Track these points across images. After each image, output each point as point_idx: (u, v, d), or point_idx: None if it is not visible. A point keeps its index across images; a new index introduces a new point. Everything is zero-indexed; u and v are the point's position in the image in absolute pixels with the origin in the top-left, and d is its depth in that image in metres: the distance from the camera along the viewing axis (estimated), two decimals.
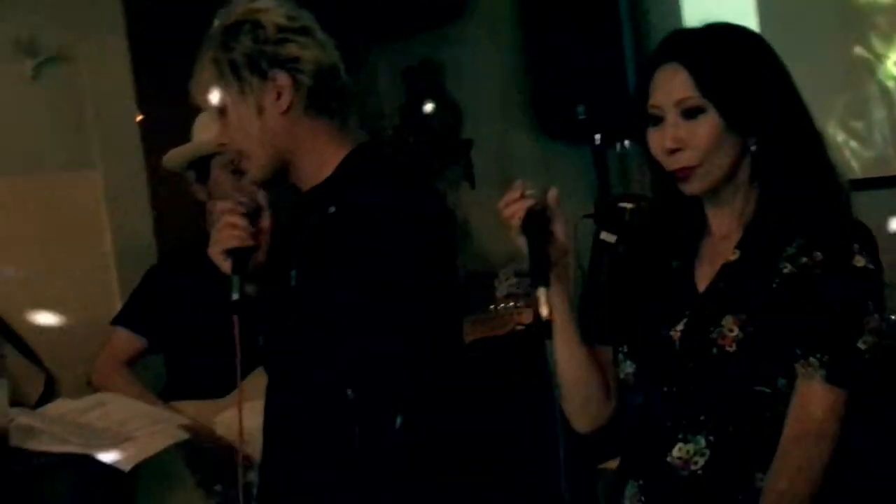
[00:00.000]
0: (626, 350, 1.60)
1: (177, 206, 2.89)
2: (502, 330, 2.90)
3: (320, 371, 1.76)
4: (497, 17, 4.36)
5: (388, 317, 1.72)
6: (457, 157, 4.44)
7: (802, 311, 1.46)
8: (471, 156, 4.44)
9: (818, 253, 1.47)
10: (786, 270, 1.49)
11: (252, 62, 1.77)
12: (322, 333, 1.74)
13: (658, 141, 1.52)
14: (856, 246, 1.47)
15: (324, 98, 1.82)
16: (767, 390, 1.47)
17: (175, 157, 2.64)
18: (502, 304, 3.00)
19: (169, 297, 2.64)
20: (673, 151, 1.51)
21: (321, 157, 1.82)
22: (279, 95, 1.78)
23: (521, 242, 1.50)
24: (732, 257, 1.55)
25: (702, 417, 1.50)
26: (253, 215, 1.76)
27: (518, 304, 3.00)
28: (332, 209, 1.80)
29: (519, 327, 2.98)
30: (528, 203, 1.49)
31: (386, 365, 1.73)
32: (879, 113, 3.59)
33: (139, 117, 3.34)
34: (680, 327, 1.54)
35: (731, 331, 1.48)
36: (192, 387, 2.54)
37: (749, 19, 3.77)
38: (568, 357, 1.58)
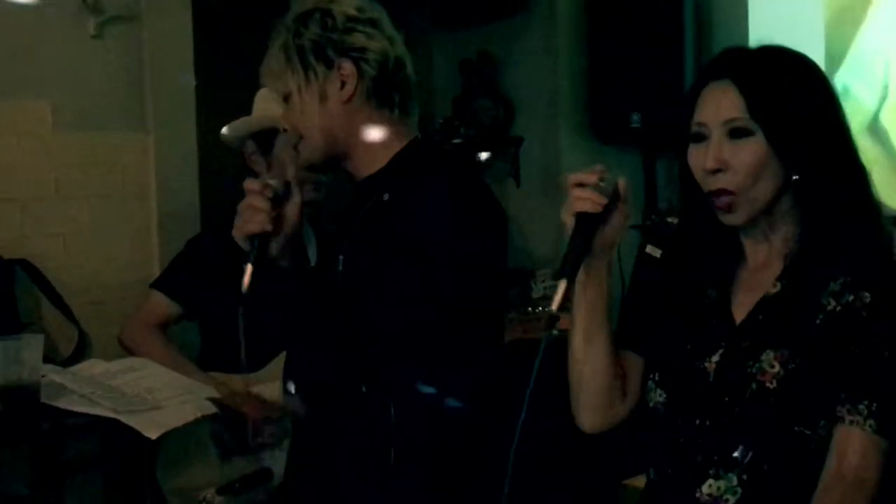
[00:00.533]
0: (657, 378, 1.56)
1: (225, 176, 2.89)
2: (537, 334, 2.86)
3: (358, 356, 1.76)
4: (559, 16, 4.32)
5: (430, 309, 1.71)
6: (505, 153, 4.42)
7: (848, 353, 1.42)
8: (519, 153, 4.42)
9: (866, 294, 1.43)
10: (829, 307, 1.45)
11: (319, 49, 1.80)
12: (362, 319, 1.74)
13: (699, 159, 1.48)
14: None
15: (387, 89, 1.83)
16: (807, 431, 1.44)
17: (238, 127, 2.65)
18: (539, 307, 2.97)
19: (209, 268, 2.64)
20: (714, 172, 1.47)
21: (376, 148, 1.84)
22: (343, 84, 1.81)
23: (569, 222, 1.47)
24: (773, 290, 1.50)
25: (735, 454, 1.46)
26: (279, 199, 1.70)
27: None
28: (386, 196, 1.81)
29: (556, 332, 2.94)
30: (598, 200, 1.46)
31: (423, 352, 1.73)
32: None
33: (195, 83, 3.35)
34: (715, 359, 1.50)
35: (772, 367, 1.44)
36: (224, 359, 2.54)
37: (817, 39, 3.73)
38: (586, 349, 1.54)
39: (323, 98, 1.81)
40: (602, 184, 1.47)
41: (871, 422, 1.41)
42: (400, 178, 1.82)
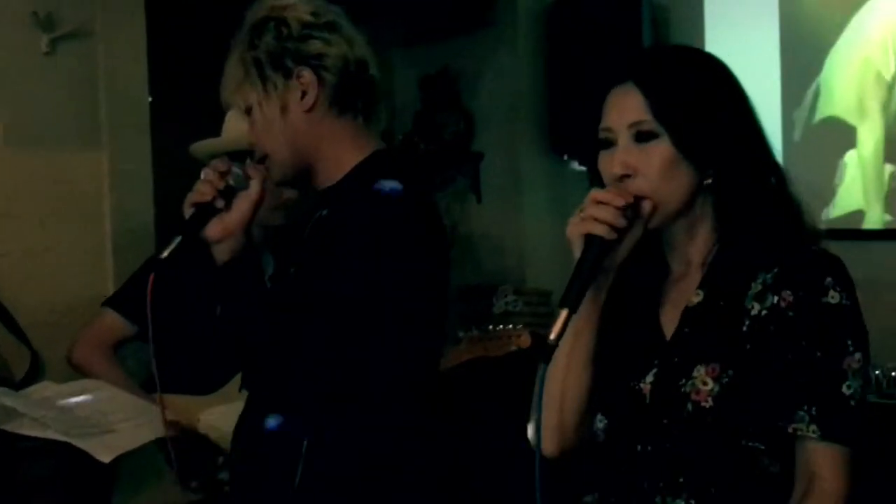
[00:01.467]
0: (597, 402, 1.47)
1: (181, 195, 2.85)
2: (499, 352, 2.85)
3: (290, 372, 1.72)
4: (520, 32, 4.33)
5: (350, 327, 1.67)
6: (466, 168, 4.41)
7: (779, 359, 1.36)
8: (480, 168, 4.41)
9: (787, 292, 1.38)
10: (754, 311, 1.39)
11: (276, 59, 1.75)
12: (297, 333, 1.70)
13: (608, 166, 1.40)
14: (828, 280, 1.37)
15: (349, 95, 1.79)
16: (750, 445, 1.37)
17: (203, 148, 2.61)
18: (500, 325, 2.95)
19: (165, 288, 2.60)
20: (622, 178, 1.39)
21: (340, 158, 1.79)
22: (303, 94, 1.76)
23: (576, 242, 1.36)
24: (696, 299, 1.44)
25: (681, 479, 1.39)
26: (234, 189, 1.71)
27: (516, 326, 2.95)
28: (325, 212, 1.78)
29: (516, 348, 2.93)
30: (617, 224, 1.34)
31: (348, 375, 1.68)
32: None
33: (150, 99, 3.31)
34: (650, 379, 1.43)
35: (706, 384, 1.37)
36: (177, 381, 2.50)
37: (772, 45, 3.77)
38: (567, 369, 1.44)
39: (284, 109, 1.76)
40: (627, 211, 1.36)
41: (813, 427, 1.35)
42: (349, 191, 1.78)
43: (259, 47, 1.75)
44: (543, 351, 1.30)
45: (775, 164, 1.46)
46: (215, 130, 2.66)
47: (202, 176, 1.72)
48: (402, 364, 1.74)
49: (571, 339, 1.42)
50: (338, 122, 1.79)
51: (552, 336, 1.30)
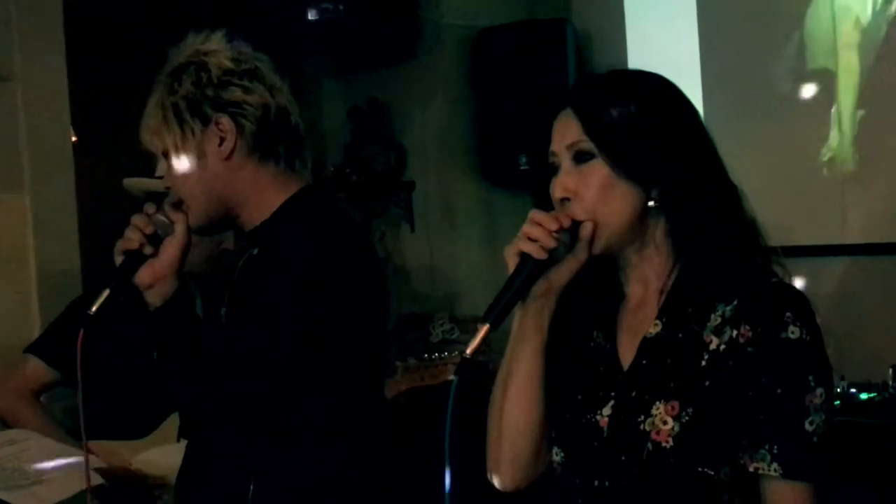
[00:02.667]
0: (553, 434, 1.45)
1: (107, 236, 2.81)
2: (435, 380, 2.85)
3: (230, 415, 1.72)
4: (446, 63, 4.36)
5: (288, 365, 1.67)
6: (398, 198, 4.42)
7: (739, 396, 1.34)
8: (412, 198, 4.42)
9: (746, 326, 1.35)
10: (713, 346, 1.36)
11: (194, 105, 1.74)
12: (233, 372, 1.70)
13: (550, 190, 1.41)
14: (788, 315, 1.34)
15: (269, 142, 1.78)
16: (711, 480, 1.34)
17: (136, 184, 2.58)
18: (436, 354, 2.95)
19: (95, 335, 2.55)
20: (562, 201, 1.39)
21: (264, 201, 1.79)
22: (221, 140, 1.75)
23: (511, 262, 1.36)
24: (653, 330, 1.41)
25: None
26: (158, 236, 1.73)
27: (452, 354, 2.96)
28: (255, 251, 1.78)
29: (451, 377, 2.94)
30: (547, 244, 1.34)
31: (285, 410, 1.68)
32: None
33: (74, 139, 3.26)
34: (607, 412, 1.40)
35: (665, 423, 1.34)
36: (107, 426, 2.46)
37: (693, 80, 3.85)
38: (515, 399, 1.42)
39: (201, 156, 1.74)
40: (560, 236, 1.35)
41: (775, 465, 1.33)
42: (277, 230, 1.77)
43: (178, 92, 1.75)
44: (459, 365, 1.29)
45: (726, 181, 1.43)
46: (144, 170, 2.64)
47: (131, 222, 1.73)
48: (346, 398, 1.74)
49: (514, 366, 1.41)
50: (260, 168, 1.78)
51: (468, 351, 1.29)
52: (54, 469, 2.11)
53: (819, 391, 1.34)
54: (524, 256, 1.35)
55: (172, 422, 2.35)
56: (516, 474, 1.46)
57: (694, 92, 3.85)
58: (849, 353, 3.40)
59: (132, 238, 1.71)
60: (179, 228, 1.73)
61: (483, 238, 4.34)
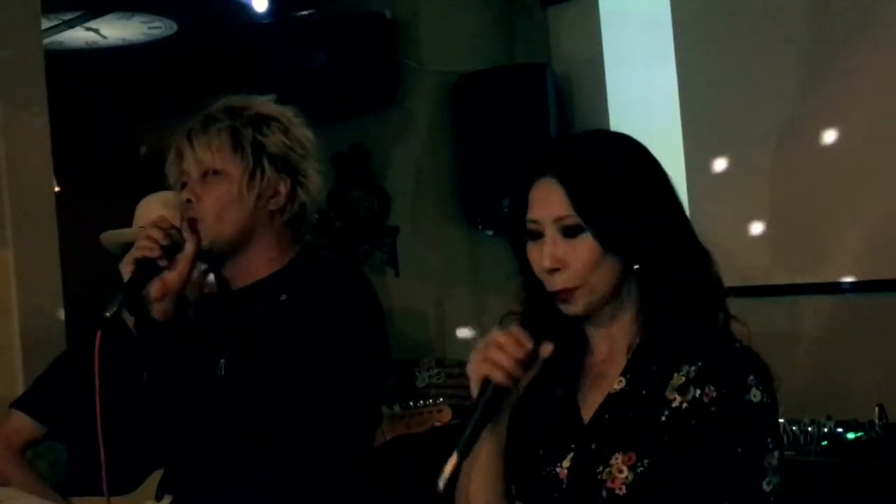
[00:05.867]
0: (514, 490, 1.48)
1: (90, 289, 2.80)
2: (420, 428, 2.85)
3: (241, 459, 1.74)
4: (427, 108, 4.39)
5: (316, 406, 1.72)
6: (382, 242, 4.42)
7: (699, 453, 1.37)
8: (396, 243, 4.43)
9: (711, 387, 1.39)
10: (675, 403, 1.40)
11: (276, 156, 1.83)
12: (246, 421, 1.73)
13: (538, 257, 1.44)
14: (751, 378, 1.39)
15: (303, 219, 1.89)
16: None
17: (114, 237, 2.57)
18: (421, 401, 2.95)
19: (76, 386, 2.53)
20: (552, 271, 1.42)
21: (273, 256, 1.87)
22: (274, 196, 1.84)
23: (474, 386, 1.39)
24: (618, 386, 1.45)
25: None
26: (172, 249, 1.78)
27: (438, 401, 2.96)
28: (284, 297, 1.82)
29: (438, 424, 2.93)
30: (511, 372, 1.37)
31: (311, 450, 1.72)
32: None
33: (56, 189, 3.26)
34: (567, 464, 1.44)
35: (621, 472, 1.39)
36: (92, 481, 2.43)
37: (673, 120, 3.88)
38: (482, 488, 1.45)
39: (257, 198, 1.82)
40: (526, 359, 1.39)
41: None
42: (295, 282, 1.84)
43: (267, 136, 1.83)
44: (437, 500, 1.33)
45: (699, 248, 1.47)
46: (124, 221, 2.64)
47: (143, 234, 1.79)
48: (365, 431, 1.86)
49: (483, 467, 1.44)
50: (285, 231, 1.87)
51: (441, 485, 1.31)
52: None
53: (776, 454, 1.40)
54: (486, 381, 1.37)
55: (154, 478, 2.33)
56: None
57: (673, 130, 3.92)
58: (834, 392, 3.42)
59: (151, 247, 1.76)
60: (190, 247, 1.79)
61: (468, 281, 4.34)
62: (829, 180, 3.54)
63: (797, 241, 3.63)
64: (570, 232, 1.42)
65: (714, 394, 1.39)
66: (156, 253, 1.75)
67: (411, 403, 2.96)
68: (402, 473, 2.93)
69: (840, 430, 3.16)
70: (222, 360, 1.82)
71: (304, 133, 1.89)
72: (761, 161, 3.70)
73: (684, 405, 1.40)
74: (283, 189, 1.83)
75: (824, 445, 3.13)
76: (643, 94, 4.00)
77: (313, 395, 1.71)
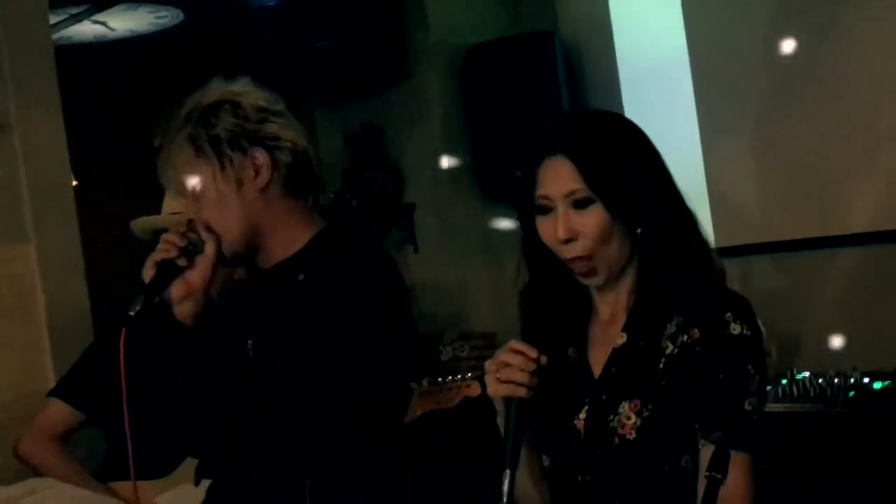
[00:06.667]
0: (539, 444, 1.63)
1: (114, 280, 2.82)
2: (449, 404, 2.88)
3: (274, 440, 1.75)
4: (436, 82, 4.39)
5: (343, 387, 1.72)
6: (399, 220, 4.43)
7: (691, 389, 1.52)
8: (413, 219, 4.43)
9: (695, 329, 1.55)
10: (668, 350, 1.56)
11: (233, 138, 1.81)
12: (278, 401, 1.74)
13: (550, 230, 1.57)
14: (729, 315, 1.53)
15: (299, 178, 1.86)
16: (674, 469, 1.53)
17: (144, 224, 2.59)
18: (450, 377, 2.98)
19: (112, 371, 2.56)
20: (566, 241, 1.56)
21: (291, 235, 1.85)
22: (257, 173, 1.82)
23: (498, 405, 1.52)
24: (620, 341, 1.61)
25: (617, 502, 1.56)
26: (192, 251, 1.80)
27: (466, 376, 2.98)
28: (302, 276, 1.82)
29: (465, 398, 2.95)
30: (530, 384, 1.50)
31: (338, 431, 1.73)
32: None
33: (74, 182, 3.27)
34: (582, 416, 1.59)
35: (629, 418, 1.55)
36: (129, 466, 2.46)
37: (684, 84, 3.86)
38: (533, 484, 1.62)
39: (239, 185, 1.81)
40: (534, 368, 1.51)
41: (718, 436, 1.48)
42: (314, 260, 1.83)
43: (217, 126, 1.81)
44: None
45: (688, 212, 1.61)
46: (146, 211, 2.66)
47: (161, 238, 1.80)
48: (393, 410, 1.87)
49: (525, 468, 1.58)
50: (289, 202, 1.85)
51: (504, 500, 1.45)
52: None
53: (757, 378, 1.54)
54: (509, 400, 1.50)
55: (191, 460, 2.35)
56: None
57: (685, 92, 3.90)
58: (859, 343, 3.42)
59: (168, 249, 1.77)
60: (210, 247, 1.80)
61: (486, 252, 4.35)
62: (844, 132, 3.52)
63: (815, 195, 3.62)
64: (580, 204, 1.55)
65: (697, 334, 1.55)
66: (173, 254, 1.77)
67: (440, 379, 2.99)
68: (439, 449, 2.97)
69: (866, 380, 3.17)
70: (250, 342, 1.84)
71: (258, 98, 1.85)
72: (774, 118, 3.69)
73: (675, 351, 1.56)
74: (261, 161, 1.81)
75: (851, 396, 3.13)
76: (653, 57, 3.98)
77: (337, 376, 1.72)
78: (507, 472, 1.46)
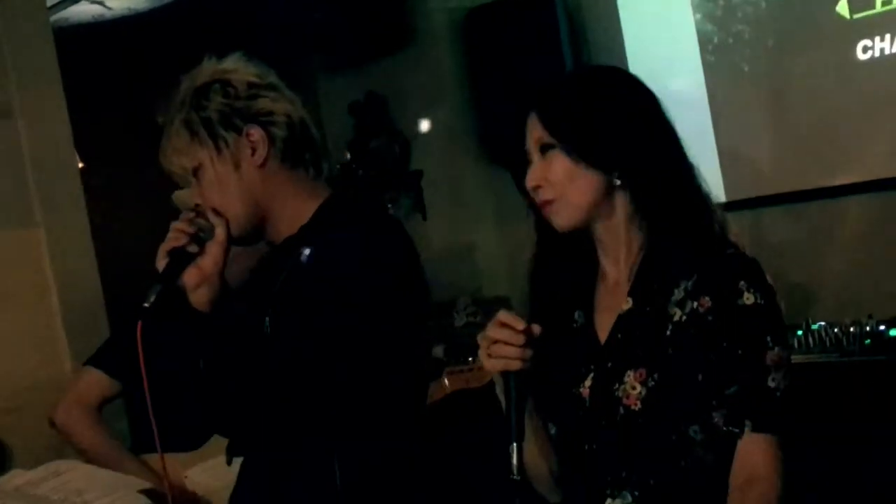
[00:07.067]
0: (546, 412, 1.60)
1: (125, 262, 2.82)
2: (478, 383, 2.93)
3: (296, 420, 1.75)
4: (438, 47, 4.35)
5: (359, 360, 1.72)
6: (407, 188, 4.42)
7: (701, 361, 1.47)
8: (421, 186, 4.42)
9: (706, 297, 1.49)
10: (676, 317, 1.51)
11: (225, 118, 1.80)
12: (296, 379, 1.73)
13: (526, 181, 1.58)
14: (742, 283, 1.48)
15: (297, 150, 1.84)
16: (682, 439, 1.49)
17: (184, 196, 2.59)
18: (470, 359, 3.03)
19: (149, 350, 2.55)
20: (535, 189, 1.56)
21: (297, 208, 1.84)
22: (254, 150, 1.81)
23: (496, 379, 1.50)
24: (626, 306, 1.56)
25: (623, 473, 1.52)
26: (201, 237, 1.79)
27: None
28: (307, 251, 1.81)
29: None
30: (524, 356, 1.46)
31: (358, 408, 1.73)
32: None
33: (80, 165, 3.27)
34: (588, 383, 1.56)
35: (634, 388, 1.50)
36: (162, 439, 2.45)
37: (690, 45, 3.83)
38: (540, 453, 1.59)
39: (237, 166, 1.80)
40: (524, 341, 1.47)
41: (745, 421, 1.47)
42: (320, 234, 1.82)
43: (208, 108, 1.80)
44: (513, 488, 1.43)
45: (686, 163, 1.57)
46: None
47: (171, 226, 1.79)
48: (402, 397, 1.83)
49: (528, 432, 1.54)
50: (290, 174, 1.84)
51: (515, 473, 1.43)
52: (102, 496, 2.12)
53: (777, 350, 1.47)
54: (505, 374, 1.48)
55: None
56: (559, 496, 1.65)
57: (692, 55, 3.86)
58: (875, 291, 3.40)
59: (178, 237, 1.77)
60: (220, 231, 1.79)
61: (495, 217, 4.34)
62: (855, 77, 3.48)
63: (827, 144, 3.58)
64: (544, 150, 1.56)
65: (709, 303, 1.49)
66: (183, 241, 1.77)
67: (471, 359, 3.03)
68: (466, 427, 2.98)
69: (882, 327, 3.16)
70: (267, 319, 1.83)
71: (248, 74, 1.84)
72: (783, 67, 3.65)
73: (684, 318, 1.50)
74: (256, 138, 1.80)
75: (867, 344, 3.13)
76: (657, 13, 3.94)
77: (354, 348, 1.71)
78: (514, 445, 1.44)
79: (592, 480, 1.55)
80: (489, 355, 1.48)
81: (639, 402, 1.49)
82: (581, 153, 1.52)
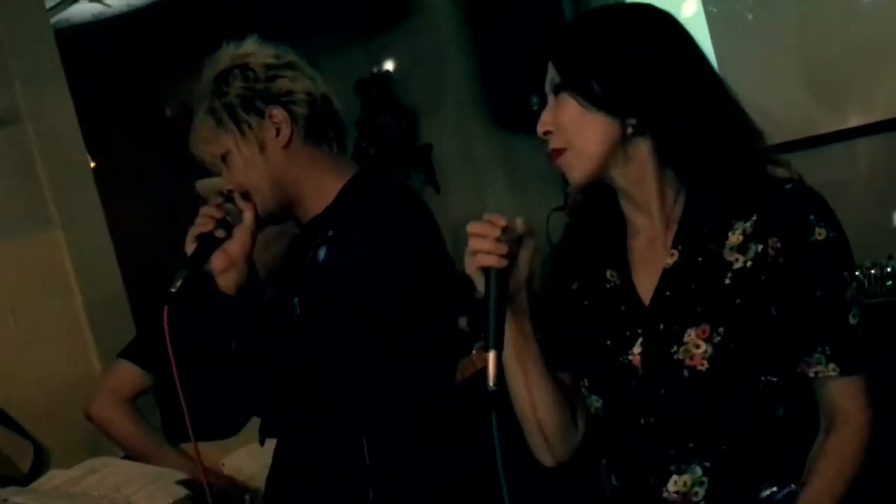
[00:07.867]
0: (587, 384, 1.47)
1: (143, 256, 2.84)
2: None
3: (327, 396, 1.76)
4: (438, 15, 4.32)
5: (388, 339, 1.73)
6: (418, 163, 4.42)
7: (775, 308, 1.35)
8: (432, 160, 4.41)
9: (774, 238, 1.36)
10: (737, 264, 1.37)
11: (247, 102, 1.82)
12: (325, 358, 1.75)
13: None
14: (812, 218, 1.36)
15: (320, 127, 1.86)
16: (754, 396, 1.36)
17: (207, 185, 2.60)
18: None
19: (178, 335, 2.56)
20: (545, 134, 1.45)
21: (322, 186, 1.86)
22: (278, 131, 1.82)
23: (476, 276, 1.37)
24: (671, 260, 1.42)
25: (691, 444, 1.39)
26: (229, 223, 1.81)
27: None
28: (330, 233, 1.83)
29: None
30: (502, 252, 1.34)
31: (386, 386, 1.74)
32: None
33: (92, 164, 3.29)
34: (637, 350, 1.41)
35: (698, 347, 1.36)
36: (193, 428, 2.47)
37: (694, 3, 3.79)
38: (528, 391, 1.44)
39: (262, 148, 1.83)
40: (504, 236, 1.35)
41: (832, 365, 1.36)
42: (343, 214, 1.84)
43: (228, 94, 1.82)
44: (489, 399, 1.28)
45: (725, 100, 1.42)
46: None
47: (200, 211, 1.82)
48: (434, 371, 1.85)
49: (518, 357, 1.42)
50: (316, 152, 1.86)
51: (490, 383, 1.27)
52: (140, 489, 2.14)
53: (854, 285, 1.38)
54: (486, 270, 1.35)
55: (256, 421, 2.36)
56: (556, 453, 1.51)
57: (695, 7, 3.80)
58: (893, 230, 3.38)
59: (206, 222, 1.79)
60: (248, 215, 1.81)
61: (509, 185, 4.33)
62: (863, 17, 3.45)
63: (838, 86, 3.55)
64: (556, 91, 1.43)
65: (779, 244, 1.36)
66: (210, 226, 1.79)
67: None
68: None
69: None
70: (296, 299, 1.86)
71: (266, 55, 1.85)
72: (790, 11, 3.61)
73: (748, 263, 1.37)
74: (279, 118, 1.81)
75: (889, 285, 3.11)
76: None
77: (383, 327, 1.72)
78: (492, 352, 1.29)
79: (651, 456, 1.41)
80: (469, 254, 1.36)
81: (706, 362, 1.35)
82: (589, 96, 1.39)
